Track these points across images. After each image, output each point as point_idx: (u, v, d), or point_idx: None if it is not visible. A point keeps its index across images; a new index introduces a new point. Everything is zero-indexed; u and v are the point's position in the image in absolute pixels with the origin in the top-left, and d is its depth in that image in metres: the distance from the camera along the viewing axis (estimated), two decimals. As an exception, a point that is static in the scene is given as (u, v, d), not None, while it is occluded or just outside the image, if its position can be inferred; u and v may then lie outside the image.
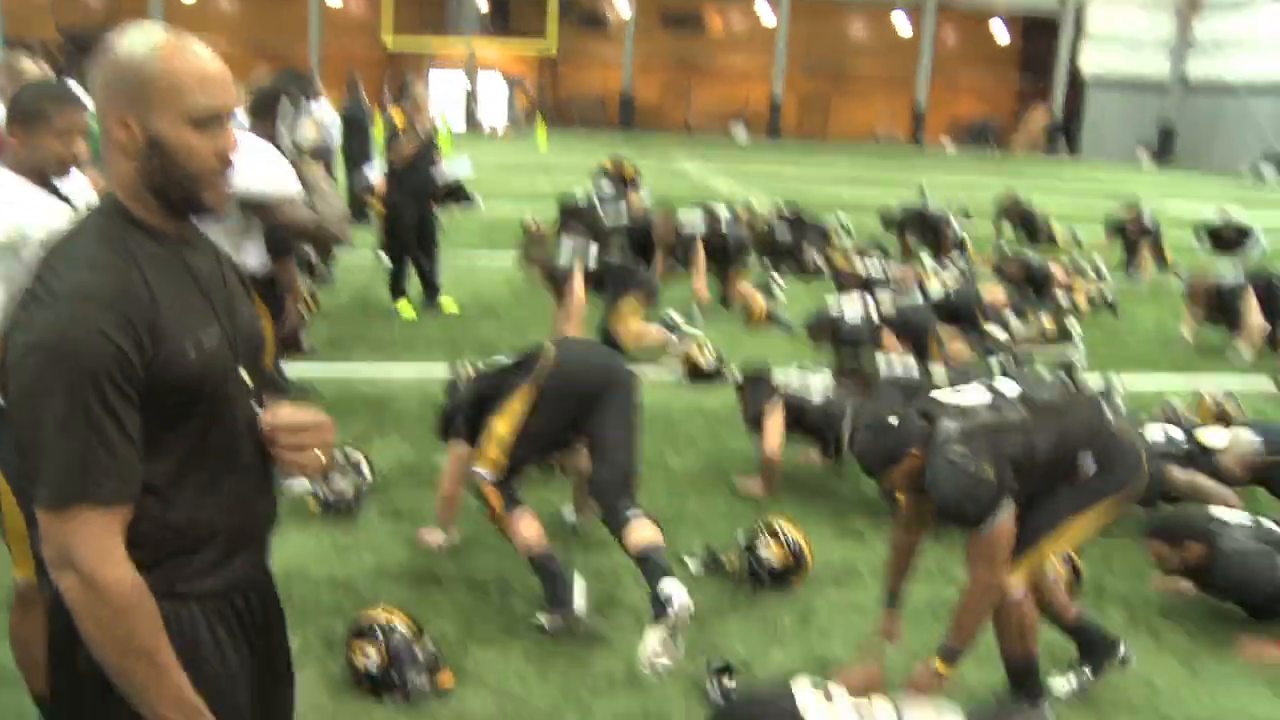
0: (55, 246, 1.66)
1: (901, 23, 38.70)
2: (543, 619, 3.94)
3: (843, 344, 7.18)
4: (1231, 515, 4.28)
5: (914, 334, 7.19)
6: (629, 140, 32.27)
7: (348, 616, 3.85)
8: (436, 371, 6.92)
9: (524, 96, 38.53)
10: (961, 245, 11.95)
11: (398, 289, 8.91)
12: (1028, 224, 14.23)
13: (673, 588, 3.62)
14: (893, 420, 3.28)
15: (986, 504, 3.14)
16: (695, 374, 7.26)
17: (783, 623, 4.09)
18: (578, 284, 7.40)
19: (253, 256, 4.75)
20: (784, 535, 4.37)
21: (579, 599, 3.85)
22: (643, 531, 3.83)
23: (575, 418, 4.12)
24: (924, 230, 12.30)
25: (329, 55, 34.72)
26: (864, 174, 23.87)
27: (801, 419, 5.44)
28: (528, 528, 3.99)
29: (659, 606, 3.60)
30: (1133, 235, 12.63)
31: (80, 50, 29.02)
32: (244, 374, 1.78)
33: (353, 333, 8.05)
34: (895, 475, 3.33)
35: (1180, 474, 4.96)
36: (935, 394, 3.52)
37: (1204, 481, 4.93)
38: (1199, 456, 5.04)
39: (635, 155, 25.88)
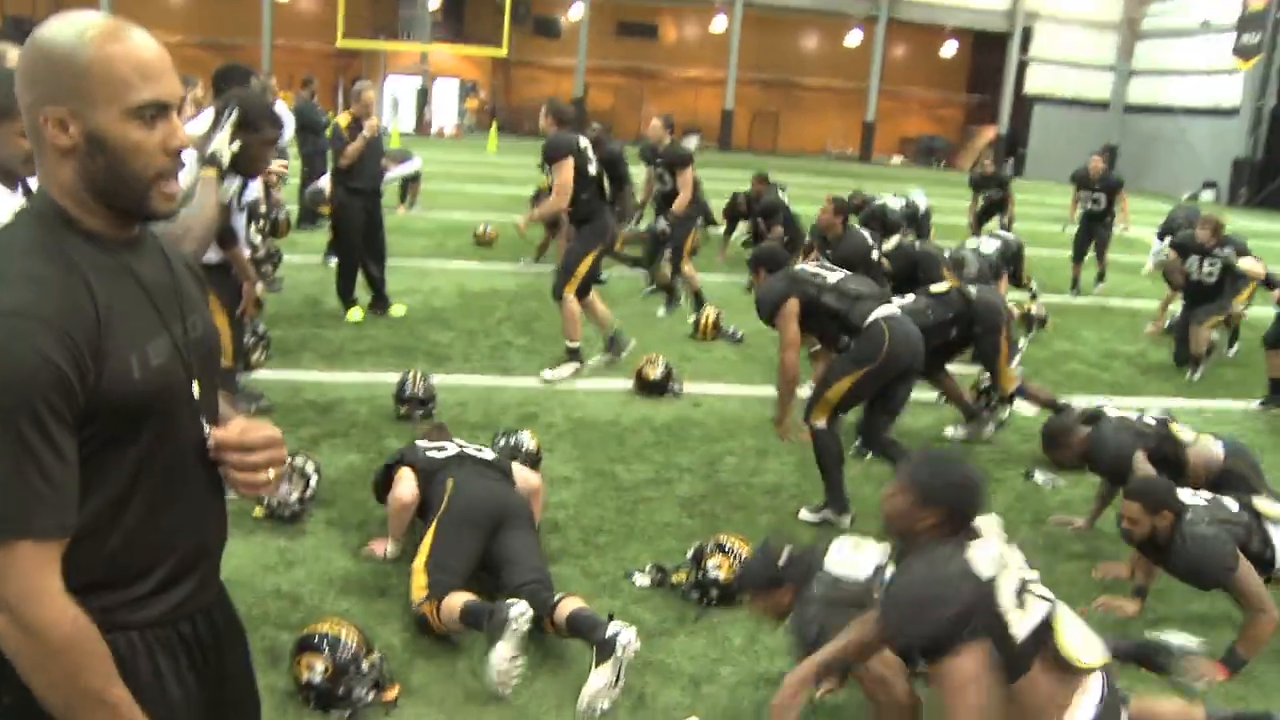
0: None
1: (853, 37, 39.09)
2: (491, 663, 3.59)
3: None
4: (1191, 495, 4.33)
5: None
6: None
7: (294, 628, 3.81)
8: (385, 378, 6.90)
9: (475, 101, 38.40)
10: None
11: (347, 293, 8.83)
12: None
13: (616, 627, 3.61)
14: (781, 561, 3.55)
15: None
16: (645, 386, 7.26)
17: (731, 641, 4.10)
18: (568, 168, 7.19)
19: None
20: (733, 551, 4.39)
21: (515, 608, 3.62)
22: (569, 604, 3.79)
23: (478, 548, 4.14)
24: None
25: (281, 52, 34.39)
26: (813, 190, 24.01)
27: (817, 302, 5.25)
28: (451, 602, 3.81)
29: (603, 648, 3.57)
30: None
31: (25, 37, 28.51)
32: (195, 388, 1.66)
33: (300, 338, 7.97)
34: (762, 600, 3.62)
35: (1142, 461, 4.96)
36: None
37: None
38: (1167, 444, 5.02)
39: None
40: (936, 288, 6.80)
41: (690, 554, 4.45)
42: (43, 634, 1.46)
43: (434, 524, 4.17)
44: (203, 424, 1.69)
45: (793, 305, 5.22)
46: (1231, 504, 4.29)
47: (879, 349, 5.11)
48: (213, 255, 4.93)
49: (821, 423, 5.27)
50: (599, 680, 3.56)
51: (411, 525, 4.51)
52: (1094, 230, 12.86)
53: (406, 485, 4.46)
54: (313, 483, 4.95)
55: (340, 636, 3.49)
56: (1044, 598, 2.77)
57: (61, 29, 1.53)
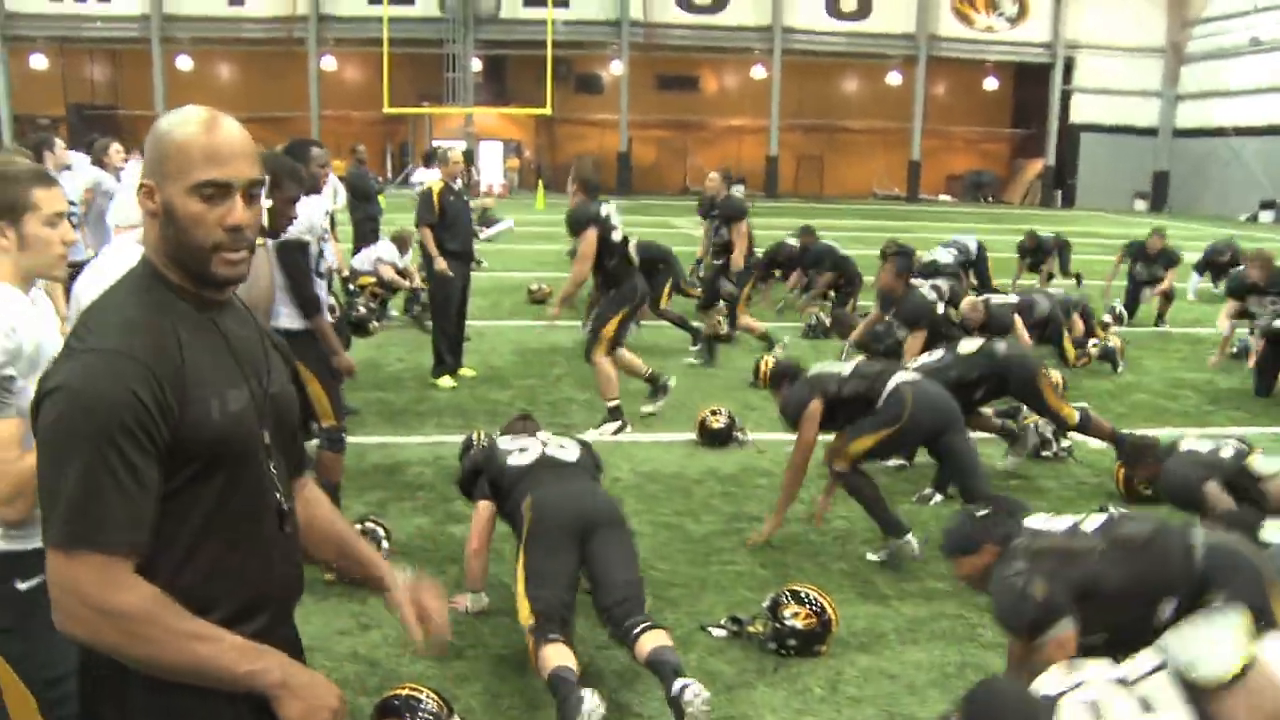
0: (95, 304, 1.75)
1: (893, 77, 39.12)
2: None
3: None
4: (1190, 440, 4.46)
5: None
6: (628, 202, 32.49)
7: (371, 692, 3.82)
8: (449, 439, 6.94)
9: (515, 161, 38.85)
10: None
11: (445, 358, 8.82)
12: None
13: (685, 682, 3.58)
14: (981, 512, 3.51)
15: (1030, 620, 3.24)
16: (709, 436, 7.24)
17: (812, 690, 4.05)
18: (590, 239, 7.36)
19: (284, 316, 4.96)
20: (808, 598, 4.34)
21: (588, 700, 3.54)
22: (649, 640, 3.78)
23: (572, 563, 4.06)
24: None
25: (329, 122, 35.08)
26: (863, 235, 23.98)
27: (839, 396, 5.38)
28: (548, 655, 3.78)
29: (674, 706, 3.56)
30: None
31: (86, 124, 29.37)
32: (266, 437, 1.82)
33: (362, 401, 8.05)
34: (964, 564, 3.59)
35: (1215, 491, 4.87)
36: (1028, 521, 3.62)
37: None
38: (1241, 477, 4.91)
39: (635, 217, 26.02)
40: (965, 348, 6.64)
41: (766, 604, 4.40)
42: (127, 614, 1.61)
43: (521, 550, 4.11)
44: (273, 474, 1.84)
45: (815, 406, 5.37)
46: (1228, 450, 4.30)
47: (901, 413, 5.25)
48: (297, 323, 5.06)
49: (841, 466, 5.33)
50: None
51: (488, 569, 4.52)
52: (1142, 292, 12.82)
53: (478, 526, 4.42)
54: (384, 546, 4.98)
55: (420, 699, 3.49)
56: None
57: (168, 117, 1.78)
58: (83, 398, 1.60)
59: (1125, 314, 12.14)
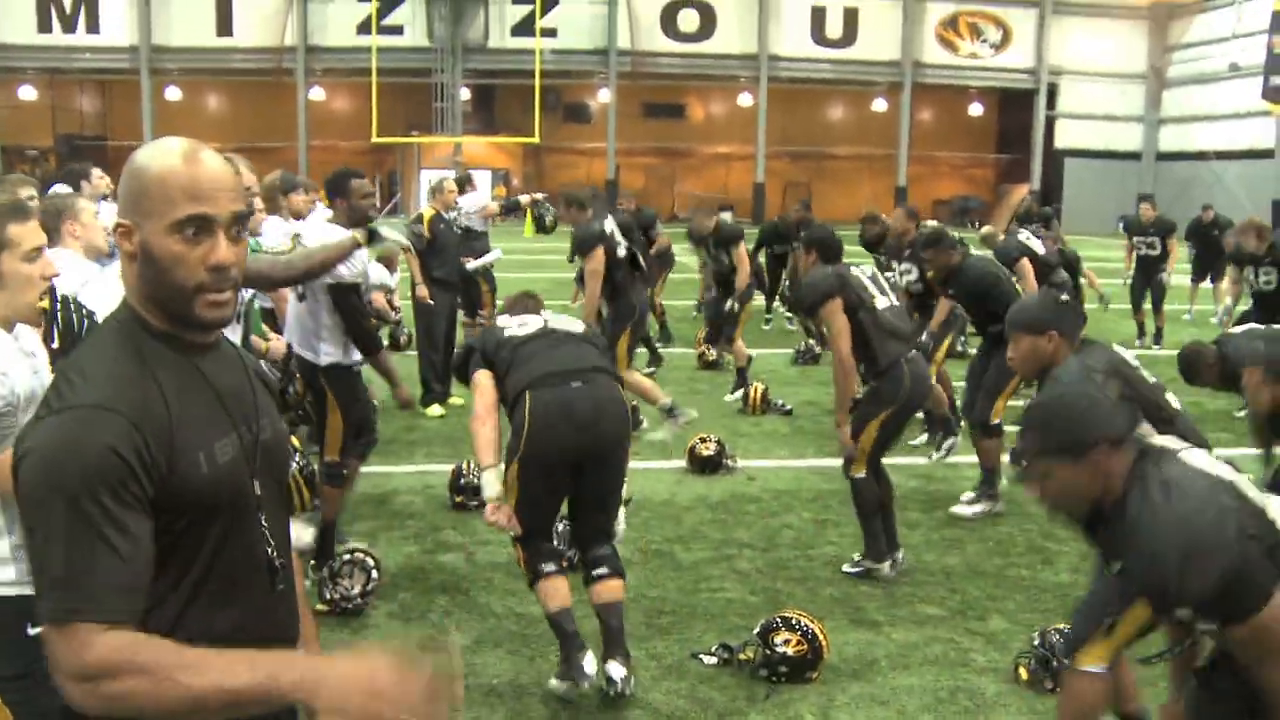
0: (75, 355, 1.66)
1: (878, 104, 39.35)
2: (554, 684, 4.10)
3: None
4: None
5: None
6: (616, 228, 32.57)
7: None
8: (438, 468, 6.94)
9: (501, 190, 38.92)
10: None
11: (433, 386, 8.85)
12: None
13: (613, 668, 3.98)
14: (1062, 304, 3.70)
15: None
16: (698, 464, 7.25)
17: (804, 717, 4.04)
18: (598, 257, 7.44)
19: (324, 353, 5.13)
20: (798, 624, 4.34)
21: (588, 666, 3.97)
22: (606, 591, 4.10)
23: (568, 478, 4.13)
24: None
25: (317, 152, 35.17)
26: (850, 258, 24.00)
27: (855, 315, 5.25)
28: (549, 593, 4.07)
29: (605, 677, 3.97)
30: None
31: (74, 153, 29.40)
32: (256, 487, 1.72)
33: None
34: (1022, 342, 3.70)
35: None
36: None
37: None
38: None
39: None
40: None
41: (756, 631, 4.40)
42: (105, 668, 1.47)
43: (516, 460, 4.06)
44: (264, 527, 1.74)
45: (836, 305, 5.25)
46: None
47: (899, 389, 5.24)
48: (337, 357, 5.16)
49: (860, 474, 5.33)
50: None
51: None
52: (1150, 276, 12.86)
53: (482, 395, 4.22)
54: (373, 576, 4.97)
55: (412, 732, 3.46)
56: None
57: (144, 151, 1.67)
58: (60, 459, 1.49)
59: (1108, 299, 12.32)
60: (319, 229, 5.40)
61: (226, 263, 1.64)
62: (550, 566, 4.13)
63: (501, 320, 4.54)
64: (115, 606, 1.50)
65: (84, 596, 1.48)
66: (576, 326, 4.47)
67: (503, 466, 4.17)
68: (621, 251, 7.58)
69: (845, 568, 5.45)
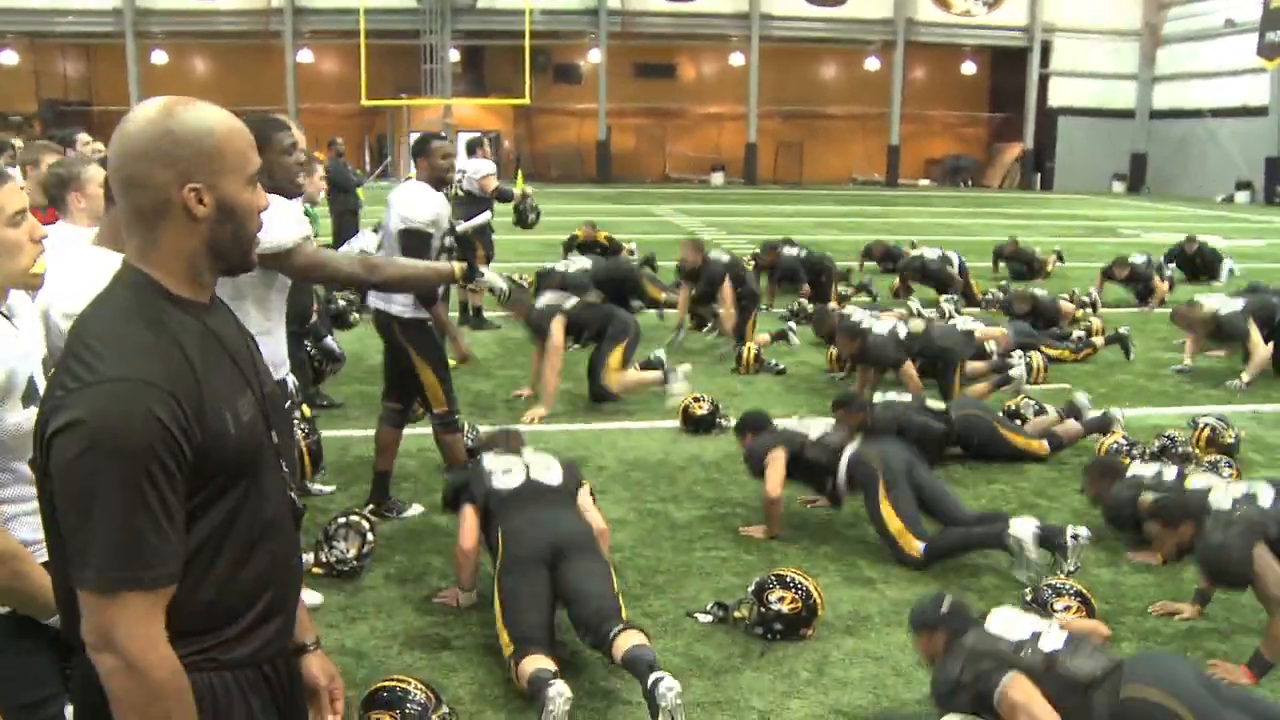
0: (89, 325, 1.63)
1: (871, 63, 39.12)
2: None
3: (865, 359, 7.68)
4: (1224, 494, 4.43)
5: (941, 361, 7.87)
6: (608, 191, 32.45)
7: (359, 684, 3.81)
8: (430, 433, 6.91)
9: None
10: (964, 288, 12.36)
11: None
12: (1027, 263, 14.57)
13: (659, 675, 3.56)
14: (945, 607, 3.61)
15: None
16: (692, 423, 7.25)
17: (799, 674, 4.06)
18: (556, 332, 7.59)
19: (397, 304, 5.26)
20: (793, 582, 4.36)
21: (554, 690, 3.56)
22: (624, 641, 3.77)
23: (546, 588, 4.10)
24: (925, 277, 12.65)
25: (307, 115, 34.90)
26: (841, 218, 24.01)
27: (801, 456, 5.48)
28: (526, 665, 3.77)
29: (650, 702, 3.54)
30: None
31: (59, 119, 29.15)
32: (274, 436, 1.80)
33: (346, 394, 8.02)
34: (921, 640, 3.65)
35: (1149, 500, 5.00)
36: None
37: None
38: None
39: (615, 206, 26.01)
40: (933, 403, 6.79)
41: (751, 589, 4.42)
42: (147, 676, 1.56)
43: (496, 580, 4.16)
44: (285, 474, 1.83)
45: (779, 454, 5.46)
46: (1268, 496, 4.34)
47: (874, 470, 5.25)
48: (410, 311, 5.30)
49: (915, 553, 5.06)
50: None
51: (479, 567, 4.54)
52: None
53: (467, 532, 4.42)
54: (369, 539, 4.97)
55: (408, 690, 3.49)
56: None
57: (182, 114, 1.67)
58: (109, 432, 1.52)
59: (1098, 300, 12.16)
60: (404, 188, 5.65)
61: (267, 205, 1.80)
62: (534, 650, 3.86)
63: (486, 461, 4.63)
64: (162, 575, 1.57)
65: (137, 565, 1.54)
66: (555, 477, 4.55)
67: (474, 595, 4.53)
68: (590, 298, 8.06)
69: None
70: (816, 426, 5.68)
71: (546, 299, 8.09)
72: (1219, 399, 8.34)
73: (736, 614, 4.41)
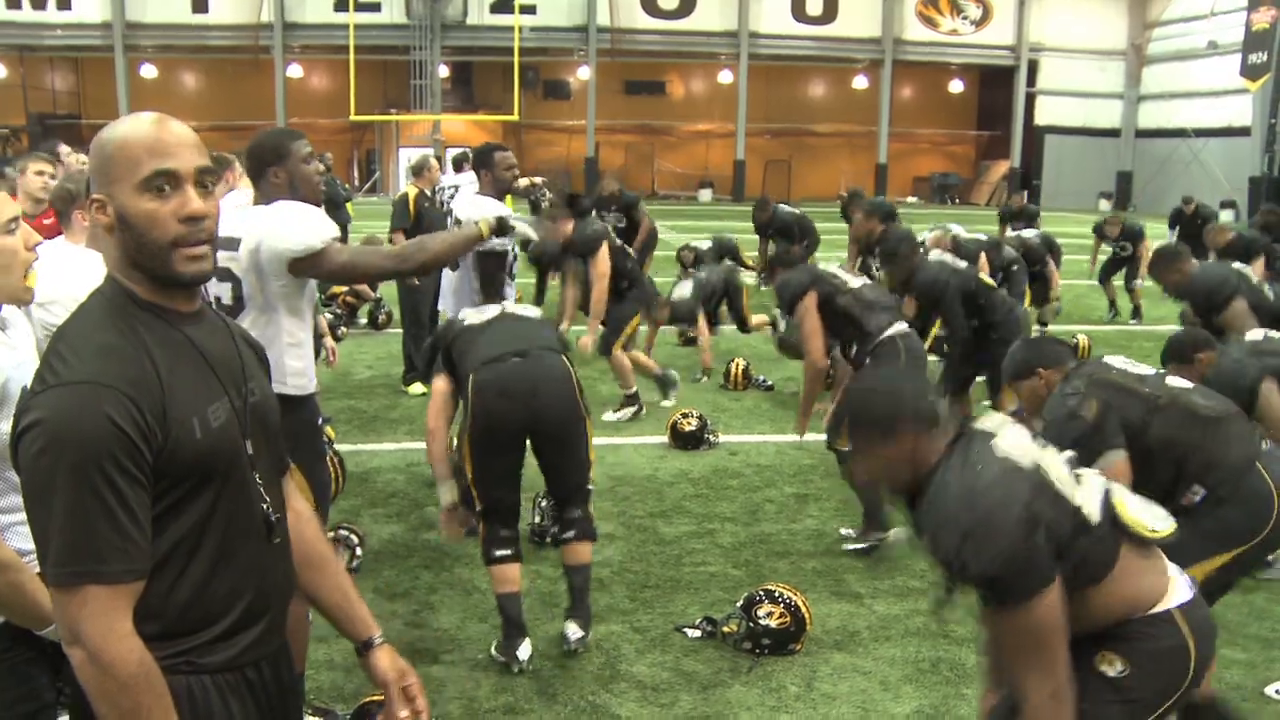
0: (65, 330, 1.68)
1: (859, 82, 39.29)
2: (494, 653, 4.23)
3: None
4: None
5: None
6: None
7: (348, 697, 3.81)
8: (420, 446, 6.91)
9: (469, 167, 38.66)
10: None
11: (413, 366, 8.80)
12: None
13: (572, 629, 4.26)
14: (1039, 340, 3.69)
15: (1077, 439, 3.26)
16: (680, 439, 7.26)
17: (787, 689, 4.07)
18: (604, 258, 7.44)
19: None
20: (781, 597, 4.37)
21: (522, 653, 4.14)
22: (575, 554, 4.31)
23: (516, 449, 4.23)
24: None
25: (295, 129, 34.83)
26: (831, 234, 24.03)
27: (833, 303, 5.36)
28: (498, 577, 4.20)
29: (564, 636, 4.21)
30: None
31: (47, 133, 29.08)
32: (249, 446, 1.79)
33: (332, 410, 8.02)
34: (1023, 388, 3.72)
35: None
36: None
37: None
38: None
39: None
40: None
41: (739, 604, 4.43)
42: (114, 669, 1.59)
43: (466, 436, 4.22)
44: (258, 484, 1.81)
45: (812, 299, 5.37)
46: None
47: (896, 360, 5.22)
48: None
49: (847, 447, 5.23)
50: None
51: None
52: (1122, 263, 12.98)
53: (435, 404, 4.43)
54: (357, 553, 4.97)
55: (397, 705, 3.47)
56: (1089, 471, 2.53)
57: (107, 128, 1.73)
58: (63, 431, 1.57)
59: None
60: (468, 201, 5.57)
61: (199, 213, 1.70)
62: (503, 551, 4.19)
63: (464, 312, 4.67)
64: (119, 568, 1.59)
65: (89, 560, 1.57)
66: (533, 312, 4.63)
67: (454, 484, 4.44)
68: (617, 242, 7.80)
69: (847, 545, 5.43)
70: (855, 278, 5.57)
71: (595, 226, 7.81)
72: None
73: (725, 629, 4.42)
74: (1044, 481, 2.35)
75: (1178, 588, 2.48)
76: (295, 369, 3.41)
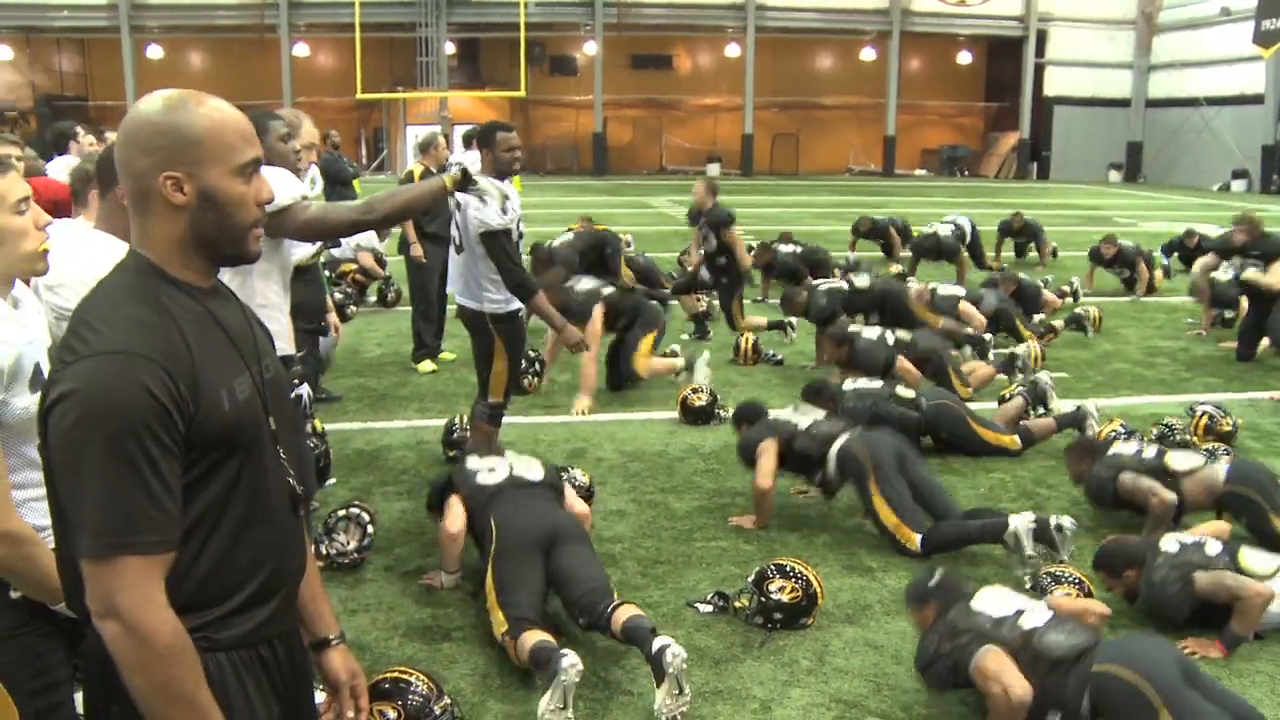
0: (90, 304, 1.69)
1: (867, 54, 39.08)
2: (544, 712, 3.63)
3: (855, 365, 7.59)
4: (1169, 541, 4.46)
5: (931, 361, 7.74)
6: (604, 183, 32.42)
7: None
8: (430, 423, 6.95)
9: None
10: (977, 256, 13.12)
11: (425, 342, 8.85)
12: (1033, 237, 15.09)
13: (664, 641, 3.64)
14: (934, 580, 3.87)
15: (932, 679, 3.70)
16: (690, 414, 7.26)
17: (799, 663, 4.08)
18: (597, 319, 7.72)
19: (488, 301, 5.34)
20: (793, 571, 4.37)
21: (568, 660, 3.59)
22: (623, 613, 3.86)
23: (539, 573, 4.18)
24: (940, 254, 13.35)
25: (303, 109, 34.79)
26: (839, 208, 23.98)
27: (791, 447, 5.50)
28: (525, 640, 3.81)
29: (654, 665, 3.61)
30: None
31: (55, 114, 29.08)
32: (271, 422, 1.82)
33: (343, 388, 8.03)
34: (913, 613, 3.92)
35: (1129, 479, 5.22)
36: None
37: (1146, 483, 5.14)
38: (1162, 477, 5.18)
39: (611, 198, 25.99)
40: (902, 391, 6.72)
41: (751, 579, 4.43)
42: (150, 640, 1.60)
43: (490, 563, 4.23)
44: (283, 458, 1.84)
45: (770, 444, 5.50)
46: (1213, 548, 4.36)
47: (862, 461, 5.25)
48: (506, 305, 5.40)
49: (914, 545, 5.06)
50: (662, 697, 3.60)
51: (464, 552, 4.63)
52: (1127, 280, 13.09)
53: (454, 518, 4.55)
54: (369, 530, 4.98)
55: (410, 681, 3.49)
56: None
57: (170, 104, 1.73)
58: (98, 401, 1.56)
59: (1080, 289, 12.19)
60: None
61: (270, 198, 1.82)
62: (529, 626, 3.93)
63: (469, 462, 4.79)
64: (155, 539, 1.60)
65: (125, 531, 1.58)
66: (536, 473, 4.70)
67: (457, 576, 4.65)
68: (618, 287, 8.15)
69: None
70: (808, 417, 5.68)
71: (584, 285, 8.15)
72: (1215, 386, 8.35)
73: (737, 604, 4.43)
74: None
75: None
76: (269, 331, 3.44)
